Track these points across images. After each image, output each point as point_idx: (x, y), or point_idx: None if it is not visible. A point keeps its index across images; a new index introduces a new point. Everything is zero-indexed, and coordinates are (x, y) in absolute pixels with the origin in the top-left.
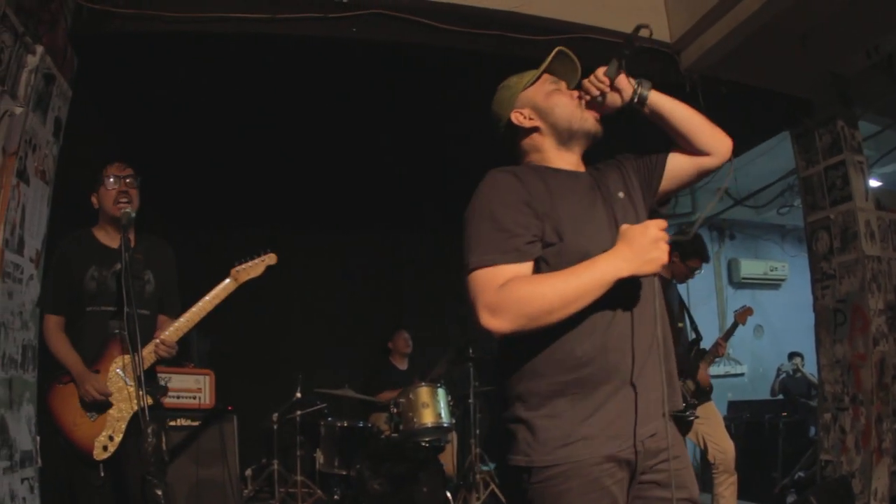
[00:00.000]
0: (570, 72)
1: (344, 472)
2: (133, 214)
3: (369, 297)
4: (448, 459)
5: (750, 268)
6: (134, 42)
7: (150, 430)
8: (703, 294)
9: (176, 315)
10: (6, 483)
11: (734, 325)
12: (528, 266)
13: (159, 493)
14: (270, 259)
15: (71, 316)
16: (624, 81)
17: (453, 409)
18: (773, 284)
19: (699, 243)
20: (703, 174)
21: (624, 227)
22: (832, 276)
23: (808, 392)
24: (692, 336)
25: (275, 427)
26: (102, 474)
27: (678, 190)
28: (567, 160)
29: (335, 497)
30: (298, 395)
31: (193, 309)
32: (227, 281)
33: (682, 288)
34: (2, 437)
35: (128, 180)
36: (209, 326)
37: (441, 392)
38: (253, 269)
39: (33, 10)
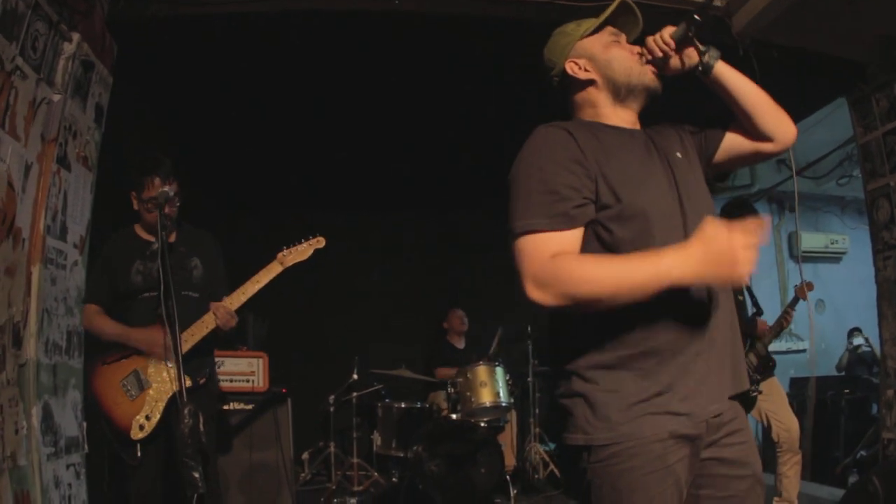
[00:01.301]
0: (632, 25)
1: (401, 454)
2: (171, 194)
3: (424, 276)
4: (507, 440)
5: (810, 241)
6: (174, 26)
7: (186, 412)
8: (763, 268)
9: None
10: (51, 469)
11: (795, 300)
12: (578, 233)
13: (196, 475)
14: (318, 243)
15: (118, 307)
16: (689, 47)
17: (512, 389)
18: (833, 258)
19: (752, 211)
20: (761, 158)
21: (708, 223)
22: (894, 247)
23: (871, 367)
24: (752, 310)
25: (331, 409)
26: (140, 454)
27: (734, 167)
28: (623, 117)
29: (392, 479)
30: (355, 376)
31: (239, 290)
32: (273, 263)
33: None
34: (46, 424)
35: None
36: (265, 309)
37: (499, 371)
38: (300, 253)
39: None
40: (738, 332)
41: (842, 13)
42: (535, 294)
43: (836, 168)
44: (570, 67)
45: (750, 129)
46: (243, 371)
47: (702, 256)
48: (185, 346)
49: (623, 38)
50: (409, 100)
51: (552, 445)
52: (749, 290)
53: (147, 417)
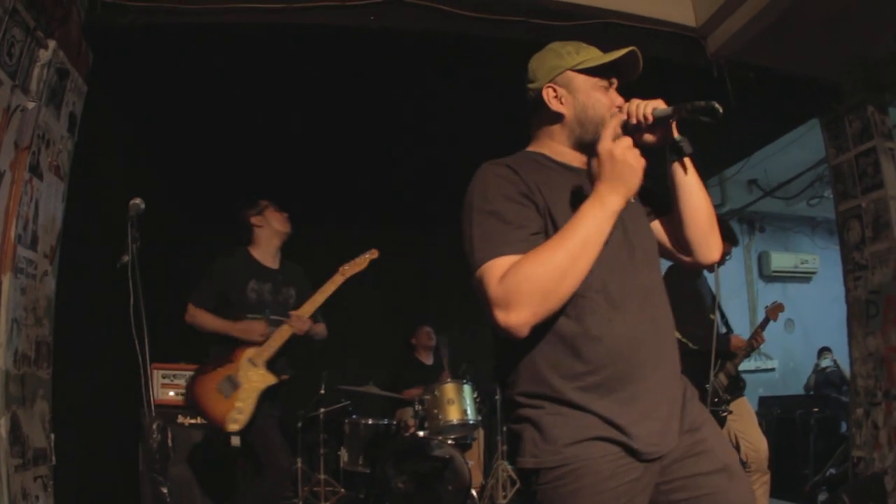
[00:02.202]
0: (632, 69)
1: (368, 471)
2: (142, 207)
3: (393, 292)
4: (474, 457)
5: (780, 261)
6: (150, 35)
7: (155, 427)
8: (733, 288)
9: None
10: (18, 481)
11: (766, 321)
12: None
13: (164, 490)
14: (373, 255)
15: (227, 317)
16: (665, 131)
17: (479, 406)
18: (803, 278)
19: (727, 226)
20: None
21: (600, 151)
22: (864, 267)
23: (839, 387)
24: (723, 330)
25: (298, 425)
26: (237, 443)
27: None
28: (571, 158)
29: (359, 496)
30: (322, 392)
31: (309, 300)
32: (336, 275)
33: (711, 281)
34: (14, 435)
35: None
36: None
37: (467, 388)
38: (357, 265)
39: (45, 5)
40: (679, 378)
41: (818, 35)
42: (506, 318)
43: (807, 189)
44: (547, 93)
45: (678, 230)
46: None
47: (605, 182)
48: (269, 354)
49: (615, 85)
50: (380, 115)
51: None
52: (720, 309)
53: (239, 412)
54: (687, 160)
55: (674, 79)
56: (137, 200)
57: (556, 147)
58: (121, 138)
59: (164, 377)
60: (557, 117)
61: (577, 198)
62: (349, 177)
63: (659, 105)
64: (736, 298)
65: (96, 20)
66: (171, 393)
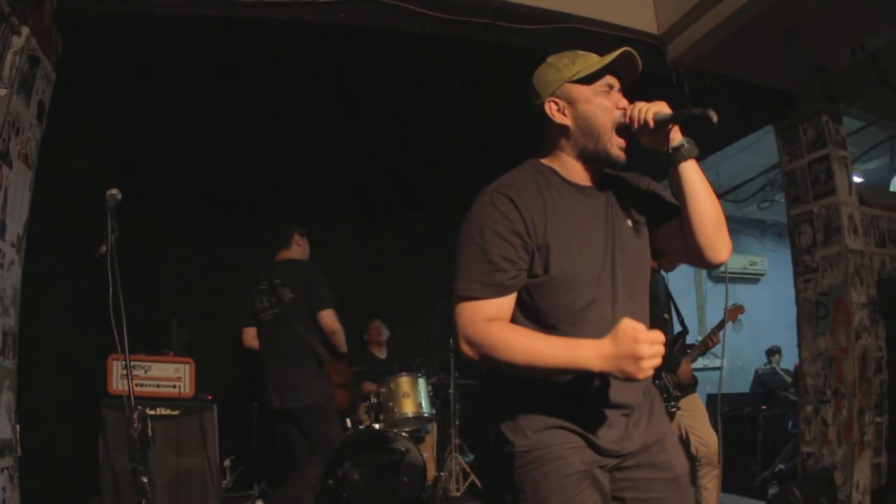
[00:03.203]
0: (631, 69)
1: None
2: (119, 198)
3: (346, 286)
4: (428, 450)
5: (729, 262)
6: (120, 25)
7: (135, 416)
8: (682, 287)
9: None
10: None
11: (723, 322)
12: (511, 298)
13: (144, 480)
14: None
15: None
16: (667, 134)
17: (433, 400)
18: (752, 279)
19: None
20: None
21: (623, 322)
22: (815, 270)
23: (786, 386)
24: (678, 328)
25: (255, 416)
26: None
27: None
28: (582, 173)
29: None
30: None
31: None
32: None
33: (668, 279)
34: None
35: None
36: (189, 316)
37: (422, 382)
38: None
39: None
40: (650, 391)
41: (777, 45)
42: (465, 349)
43: (758, 192)
44: (549, 107)
45: (687, 233)
46: (170, 377)
47: (612, 354)
48: None
49: (617, 86)
50: (342, 111)
51: (472, 456)
52: (675, 307)
53: None
54: (690, 162)
55: (632, 85)
56: (114, 191)
57: (565, 160)
58: (86, 127)
59: (123, 368)
60: (563, 129)
61: (578, 222)
62: (308, 172)
63: (662, 109)
64: (685, 298)
65: (68, 8)
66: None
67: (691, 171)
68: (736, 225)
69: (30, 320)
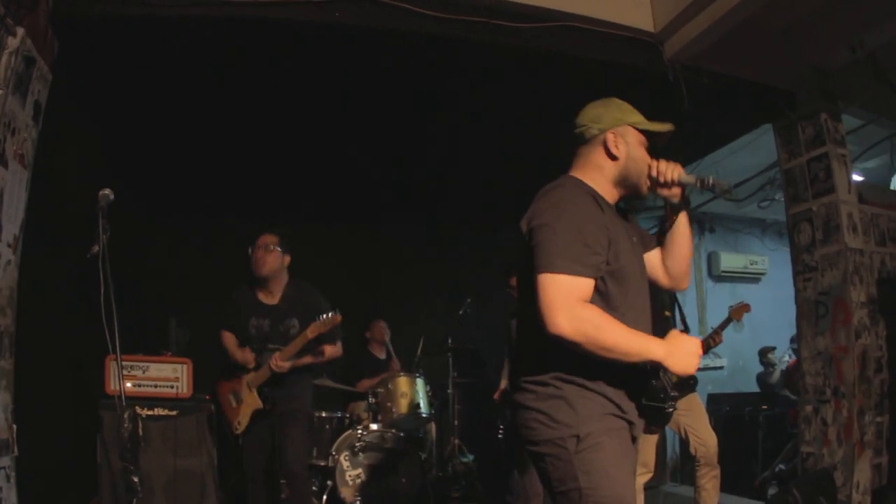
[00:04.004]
0: (664, 138)
1: (322, 463)
2: (112, 198)
3: (347, 286)
4: (426, 450)
5: (730, 261)
6: (117, 26)
7: (126, 416)
8: None
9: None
10: None
11: (727, 321)
12: (593, 283)
13: (136, 479)
14: (335, 320)
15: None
16: (680, 193)
17: (432, 400)
18: (752, 278)
19: None
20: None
21: (674, 332)
22: (814, 269)
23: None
24: (680, 327)
25: None
26: (240, 440)
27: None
28: (613, 195)
29: (314, 487)
30: None
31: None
32: (303, 334)
33: None
34: None
35: (265, 247)
36: (188, 315)
37: (420, 382)
38: (319, 327)
39: None
40: None
41: (774, 44)
42: (562, 324)
43: (758, 191)
44: (611, 138)
45: (669, 262)
46: (167, 377)
47: (673, 349)
48: (259, 382)
49: (646, 145)
50: (337, 109)
51: (471, 457)
52: (679, 306)
53: (239, 422)
54: (684, 214)
55: (629, 83)
56: (107, 191)
57: (601, 181)
58: (82, 128)
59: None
60: (612, 158)
61: (619, 227)
62: (306, 172)
63: (679, 169)
64: (685, 297)
65: (64, 9)
66: (129, 384)
67: (685, 219)
68: (736, 224)
69: (27, 320)
